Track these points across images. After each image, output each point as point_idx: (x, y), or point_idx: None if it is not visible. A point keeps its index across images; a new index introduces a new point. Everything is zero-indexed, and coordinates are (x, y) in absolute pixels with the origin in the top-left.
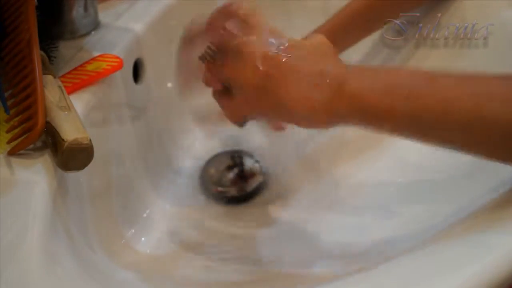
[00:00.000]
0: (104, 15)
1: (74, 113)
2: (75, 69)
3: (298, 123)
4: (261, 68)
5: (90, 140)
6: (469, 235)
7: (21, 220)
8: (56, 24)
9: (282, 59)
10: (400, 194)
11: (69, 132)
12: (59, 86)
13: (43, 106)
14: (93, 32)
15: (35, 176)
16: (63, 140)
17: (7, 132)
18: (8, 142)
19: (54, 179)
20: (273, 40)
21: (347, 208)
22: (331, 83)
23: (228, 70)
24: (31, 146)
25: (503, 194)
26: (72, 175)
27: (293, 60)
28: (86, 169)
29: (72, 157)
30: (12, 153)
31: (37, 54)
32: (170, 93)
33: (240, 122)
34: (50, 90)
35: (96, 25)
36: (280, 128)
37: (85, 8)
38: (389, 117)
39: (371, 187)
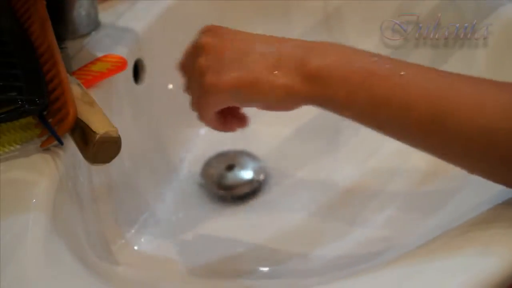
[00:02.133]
0: (104, 15)
1: (99, 107)
2: (79, 69)
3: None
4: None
5: (119, 133)
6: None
7: (21, 220)
8: (57, 25)
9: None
10: (399, 200)
11: (99, 125)
12: (78, 84)
13: (71, 95)
14: (93, 33)
15: (35, 176)
16: (94, 132)
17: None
18: (40, 136)
19: (54, 179)
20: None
21: (344, 210)
22: (287, 63)
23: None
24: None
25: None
26: (72, 175)
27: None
28: (86, 169)
29: (102, 149)
30: (46, 145)
31: (56, 47)
32: (171, 94)
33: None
34: (71, 86)
35: (96, 25)
36: (229, 129)
37: (86, 9)
38: (348, 105)
39: (373, 190)
